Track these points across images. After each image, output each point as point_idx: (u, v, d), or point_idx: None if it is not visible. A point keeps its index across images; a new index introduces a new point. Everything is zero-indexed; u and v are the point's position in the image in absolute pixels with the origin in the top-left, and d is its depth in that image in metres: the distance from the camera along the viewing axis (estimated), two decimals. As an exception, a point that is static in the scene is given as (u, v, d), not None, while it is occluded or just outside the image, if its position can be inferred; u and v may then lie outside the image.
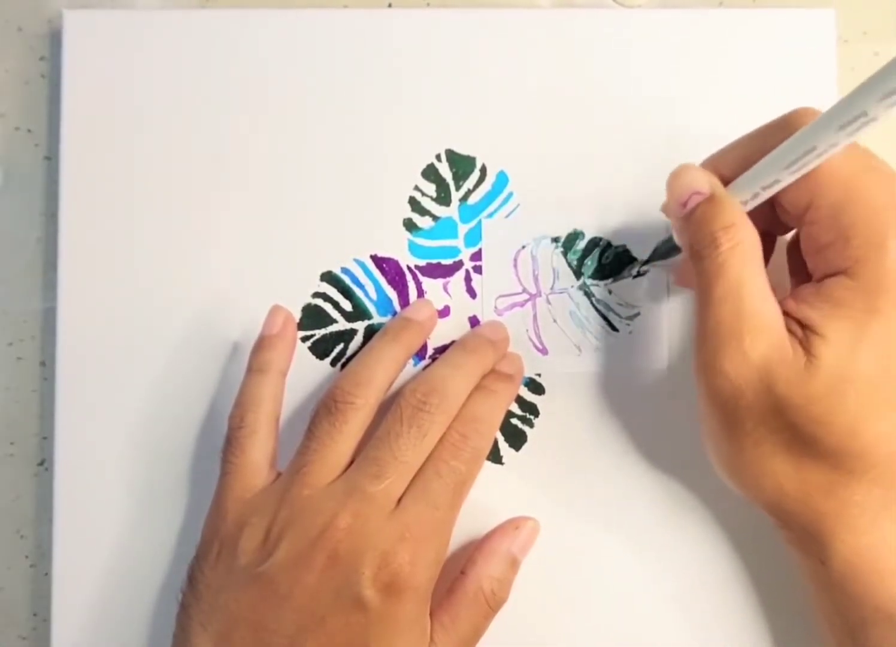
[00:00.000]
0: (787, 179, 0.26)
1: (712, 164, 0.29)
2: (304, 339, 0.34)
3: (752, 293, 0.26)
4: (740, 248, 0.26)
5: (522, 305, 0.34)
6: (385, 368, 0.31)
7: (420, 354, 0.33)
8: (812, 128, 0.24)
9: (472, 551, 0.31)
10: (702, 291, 0.27)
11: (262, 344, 0.32)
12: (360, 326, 0.34)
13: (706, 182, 0.27)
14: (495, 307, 0.34)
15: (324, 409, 0.30)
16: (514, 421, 0.33)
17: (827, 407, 0.25)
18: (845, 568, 0.26)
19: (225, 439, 0.31)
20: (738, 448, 0.27)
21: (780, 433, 0.26)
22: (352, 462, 0.30)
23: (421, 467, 0.29)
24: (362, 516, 0.28)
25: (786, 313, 0.26)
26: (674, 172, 0.28)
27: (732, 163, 0.28)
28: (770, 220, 0.29)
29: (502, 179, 0.34)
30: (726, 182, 0.28)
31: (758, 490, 0.27)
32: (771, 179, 0.26)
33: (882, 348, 0.25)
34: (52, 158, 0.35)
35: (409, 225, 0.34)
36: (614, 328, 0.34)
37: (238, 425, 0.30)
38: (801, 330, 0.26)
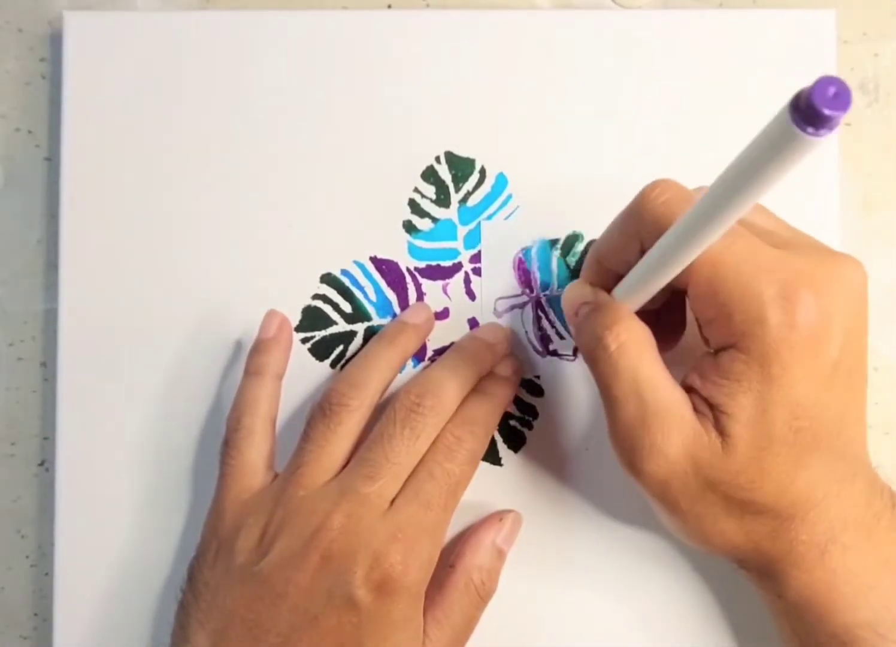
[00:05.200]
0: (665, 282, 0.26)
1: (597, 260, 0.29)
2: (304, 340, 0.34)
3: (651, 389, 0.26)
4: (629, 344, 0.26)
5: (522, 307, 0.34)
6: (380, 370, 0.31)
7: (419, 355, 0.34)
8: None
9: (459, 544, 0.32)
10: (602, 394, 0.27)
11: (257, 348, 0.32)
12: (360, 327, 0.34)
13: (591, 292, 0.29)
14: (494, 309, 0.34)
15: (319, 411, 0.30)
16: (513, 423, 0.33)
17: (751, 475, 0.25)
18: (800, 601, 0.27)
19: (223, 440, 0.31)
20: (681, 522, 0.27)
21: (716, 505, 0.26)
22: (347, 464, 0.30)
23: (415, 468, 0.29)
24: (355, 517, 0.28)
25: (692, 390, 0.26)
26: (565, 291, 0.30)
27: (613, 257, 0.28)
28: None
29: (501, 181, 0.34)
30: (620, 278, 0.28)
31: (710, 547, 0.28)
32: (648, 292, 0.26)
33: (786, 410, 0.25)
34: (52, 159, 0.35)
35: (409, 227, 0.34)
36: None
37: (235, 427, 0.31)
38: (710, 410, 0.26)
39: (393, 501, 0.29)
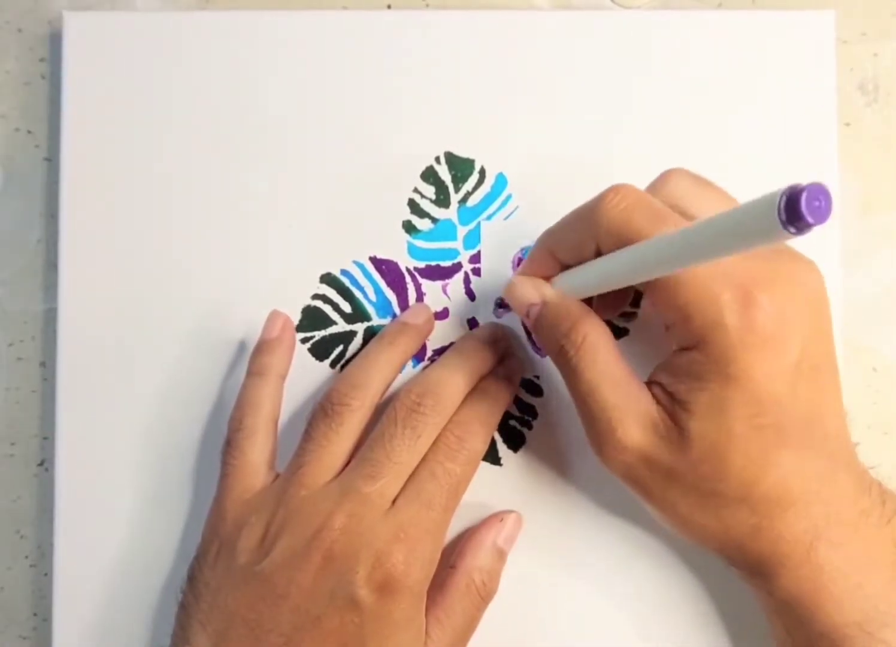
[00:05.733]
0: (619, 288, 0.27)
1: (548, 250, 0.29)
2: (304, 340, 0.34)
3: (610, 384, 0.27)
4: (586, 346, 0.27)
5: (521, 306, 0.34)
6: (381, 371, 0.31)
7: (419, 355, 0.34)
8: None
9: (460, 544, 0.32)
10: (569, 391, 0.28)
11: (260, 348, 0.32)
12: (360, 327, 0.34)
13: (536, 294, 0.29)
14: (494, 309, 0.34)
15: (320, 411, 0.30)
16: (513, 422, 0.33)
17: (712, 467, 0.26)
18: (789, 599, 0.27)
19: (224, 440, 0.31)
20: (661, 511, 0.28)
21: (687, 494, 0.27)
22: (349, 464, 0.30)
23: (416, 468, 0.30)
24: (357, 517, 0.28)
25: (659, 384, 0.27)
26: (507, 288, 0.30)
27: (565, 251, 0.29)
28: None
29: (501, 182, 0.34)
30: (567, 267, 0.29)
31: (695, 539, 0.28)
32: (600, 292, 0.28)
33: (745, 408, 0.25)
34: (52, 160, 0.35)
35: (409, 227, 0.34)
36: (612, 330, 0.33)
37: (237, 427, 0.31)
38: (671, 403, 0.27)
39: (394, 500, 0.29)
